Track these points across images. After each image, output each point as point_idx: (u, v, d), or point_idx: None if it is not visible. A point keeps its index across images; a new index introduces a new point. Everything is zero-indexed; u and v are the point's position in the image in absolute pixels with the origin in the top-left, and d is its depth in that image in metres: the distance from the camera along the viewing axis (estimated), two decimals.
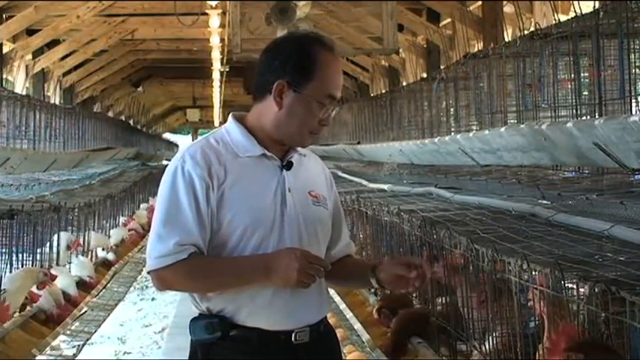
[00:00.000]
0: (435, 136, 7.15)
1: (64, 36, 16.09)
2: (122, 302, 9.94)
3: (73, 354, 7.11)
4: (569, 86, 4.35)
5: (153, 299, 11.43)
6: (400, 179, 8.91)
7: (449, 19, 12.87)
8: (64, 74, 18.09)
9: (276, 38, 2.74)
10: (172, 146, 37.34)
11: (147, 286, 11.93)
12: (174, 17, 13.69)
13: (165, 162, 28.38)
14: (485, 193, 6.14)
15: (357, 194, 7.36)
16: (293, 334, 2.50)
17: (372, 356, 5.48)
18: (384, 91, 14.47)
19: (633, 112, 3.54)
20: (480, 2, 11.54)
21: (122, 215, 12.76)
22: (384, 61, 16.48)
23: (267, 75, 2.52)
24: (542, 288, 3.04)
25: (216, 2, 12.55)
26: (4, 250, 6.70)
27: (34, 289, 6.67)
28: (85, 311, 8.20)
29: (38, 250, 7.26)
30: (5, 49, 14.57)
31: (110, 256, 10.31)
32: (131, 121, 27.01)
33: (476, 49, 9.45)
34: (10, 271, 6.58)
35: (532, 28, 4.81)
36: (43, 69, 16.46)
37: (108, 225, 11.24)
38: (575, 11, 4.14)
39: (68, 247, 8.15)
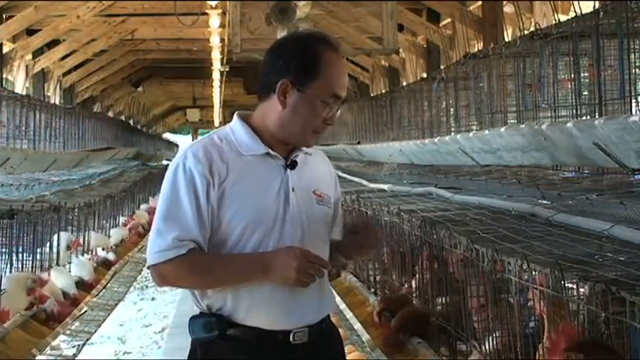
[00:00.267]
0: (435, 136, 7.15)
1: (64, 36, 16.09)
2: (122, 302, 9.94)
3: (73, 354, 7.12)
4: (569, 86, 4.35)
5: (153, 299, 11.43)
6: (400, 179, 8.91)
7: (449, 19, 12.87)
8: (64, 74, 18.08)
9: (281, 38, 2.74)
10: (172, 146, 37.34)
11: (147, 286, 11.94)
12: (175, 17, 13.69)
13: (165, 162, 28.41)
14: (486, 193, 6.14)
15: (357, 194, 7.36)
16: (291, 335, 2.50)
17: (372, 356, 5.48)
18: (384, 91, 14.47)
19: (633, 112, 3.54)
20: (479, 2, 11.54)
21: (122, 215, 12.76)
22: (384, 61, 16.48)
23: (271, 74, 2.52)
24: (542, 288, 3.04)
25: (216, 2, 12.55)
26: (4, 250, 6.70)
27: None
28: (85, 311, 8.20)
29: (38, 250, 7.26)
30: (5, 49, 14.56)
31: (110, 256, 10.31)
32: (131, 121, 27.01)
33: (476, 49, 9.45)
34: (10, 271, 6.58)
35: (532, 28, 4.81)
36: (43, 69, 16.45)
37: (108, 225, 11.24)
38: (575, 11, 4.15)
39: (68, 247, 8.14)
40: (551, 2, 5.48)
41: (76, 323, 7.67)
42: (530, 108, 4.85)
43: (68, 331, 7.31)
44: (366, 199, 6.87)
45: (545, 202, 5.09)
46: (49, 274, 7.27)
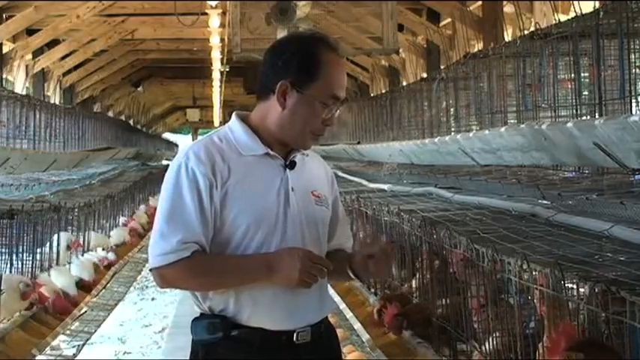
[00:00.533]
0: (435, 136, 7.14)
1: (64, 36, 16.09)
2: (122, 302, 9.94)
3: (73, 354, 7.12)
4: (569, 86, 4.34)
5: (153, 299, 11.42)
6: (400, 179, 8.91)
7: (449, 19, 12.87)
8: (64, 74, 18.08)
9: (281, 38, 2.75)
10: (172, 146, 37.31)
11: (147, 286, 11.93)
12: (175, 17, 13.69)
13: (165, 162, 28.41)
14: (486, 193, 6.14)
15: (357, 194, 7.37)
16: (295, 334, 2.50)
17: (372, 356, 5.48)
18: (384, 91, 14.47)
19: (633, 112, 3.54)
20: (480, 2, 11.54)
21: (122, 215, 12.76)
22: (384, 61, 16.49)
23: (270, 75, 2.52)
24: (543, 288, 3.04)
25: (216, 2, 12.55)
26: (4, 250, 6.70)
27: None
28: (85, 311, 8.20)
29: (38, 250, 7.26)
30: (5, 49, 14.57)
31: (110, 256, 10.31)
32: (131, 121, 27.01)
33: (476, 49, 9.44)
34: (11, 271, 6.57)
35: (532, 28, 4.80)
36: (43, 69, 16.46)
37: (108, 225, 11.24)
38: (575, 11, 4.14)
39: (68, 247, 8.14)
40: (551, 2, 5.48)
41: (76, 323, 7.68)
42: (530, 108, 4.84)
43: (68, 331, 7.32)
44: (366, 199, 6.87)
45: (545, 202, 5.09)
46: (49, 274, 7.27)
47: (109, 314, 8.84)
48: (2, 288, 6.06)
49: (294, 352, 2.51)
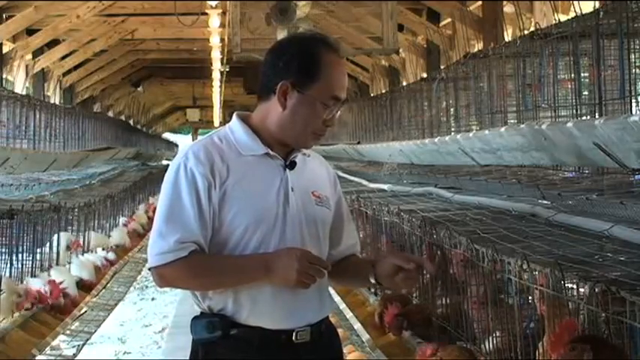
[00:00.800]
0: (435, 136, 7.14)
1: (64, 36, 16.09)
2: (122, 302, 9.95)
3: (73, 354, 7.13)
4: (569, 86, 4.34)
5: (153, 299, 11.42)
6: (400, 179, 8.91)
7: (449, 19, 12.86)
8: (64, 74, 18.08)
9: (281, 39, 2.75)
10: (172, 146, 37.32)
11: (147, 286, 11.93)
12: (175, 17, 13.68)
13: (165, 162, 28.41)
14: (486, 193, 6.14)
15: (357, 194, 7.37)
16: (294, 334, 2.50)
17: (372, 356, 5.48)
18: (384, 91, 14.46)
19: (633, 112, 3.54)
20: (480, 2, 11.54)
21: (122, 215, 12.76)
22: (384, 61, 16.48)
23: (271, 75, 2.53)
24: (543, 288, 3.04)
25: (216, 2, 12.55)
26: (4, 250, 6.70)
27: (35, 286, 6.67)
28: (85, 311, 8.20)
29: (38, 250, 7.26)
30: (5, 49, 14.56)
31: (110, 255, 10.31)
32: (131, 121, 27.00)
33: (476, 49, 9.45)
34: (10, 271, 6.58)
35: (532, 28, 4.80)
36: (43, 69, 16.45)
37: (108, 225, 11.24)
38: (575, 11, 4.14)
39: (68, 247, 8.15)
40: (551, 2, 5.48)
41: (76, 323, 7.68)
42: (530, 108, 4.84)
43: (68, 331, 7.32)
44: (366, 199, 6.87)
45: (545, 202, 5.09)
46: (49, 274, 7.28)
47: (109, 314, 8.84)
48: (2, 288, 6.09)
49: (293, 352, 2.51)
